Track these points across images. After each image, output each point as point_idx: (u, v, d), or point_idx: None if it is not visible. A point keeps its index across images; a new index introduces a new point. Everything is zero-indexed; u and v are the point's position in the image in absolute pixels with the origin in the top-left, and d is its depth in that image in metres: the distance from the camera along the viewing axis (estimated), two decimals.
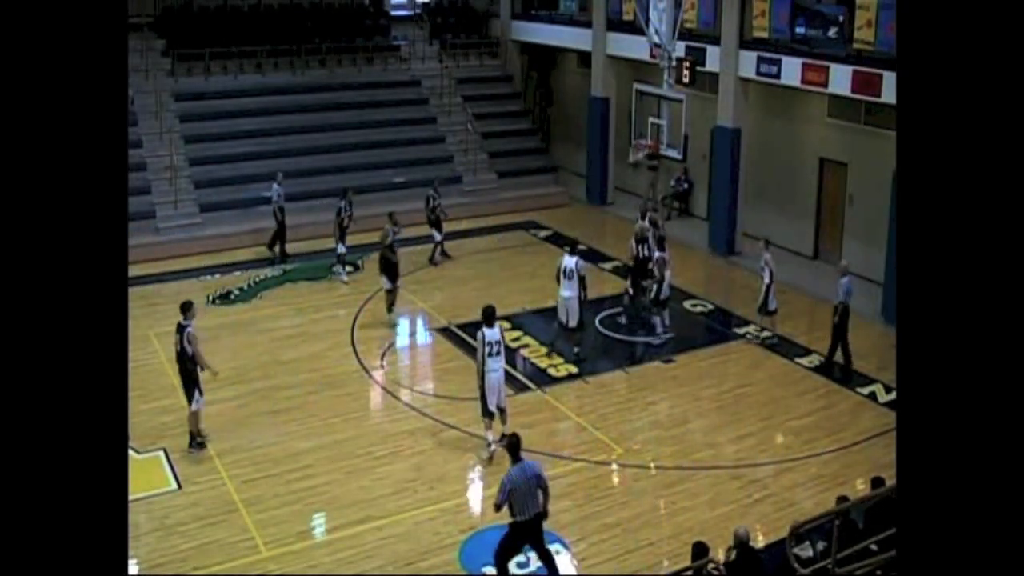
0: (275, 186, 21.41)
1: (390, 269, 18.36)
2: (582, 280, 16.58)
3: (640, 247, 18.26)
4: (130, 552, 11.49)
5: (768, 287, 17.53)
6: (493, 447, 13.60)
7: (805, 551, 10.94)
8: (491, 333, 13.44)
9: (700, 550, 9.65)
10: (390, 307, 18.46)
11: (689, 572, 9.78)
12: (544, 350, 17.13)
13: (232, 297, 19.82)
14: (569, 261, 16.62)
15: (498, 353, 13.45)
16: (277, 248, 21.91)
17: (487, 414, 13.64)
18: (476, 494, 13.21)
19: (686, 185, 25.36)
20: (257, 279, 20.78)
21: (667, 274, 17.73)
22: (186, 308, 13.61)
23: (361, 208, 21.33)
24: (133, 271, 20.76)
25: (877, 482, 11.20)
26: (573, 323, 16.78)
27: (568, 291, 16.58)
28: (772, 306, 17.68)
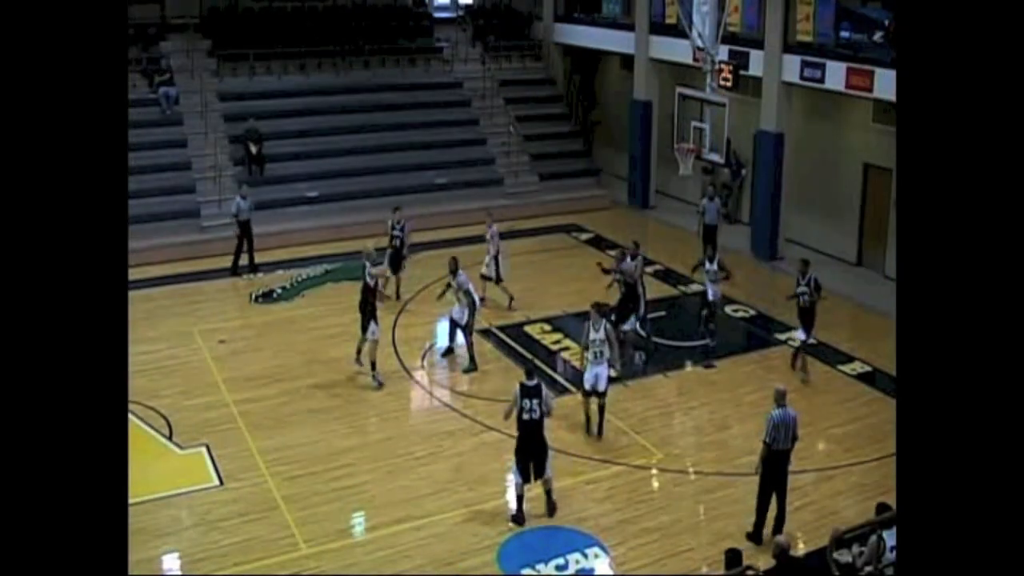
0: (239, 200, 21.22)
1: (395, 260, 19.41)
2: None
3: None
4: (171, 546, 11.69)
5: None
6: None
7: (844, 557, 10.87)
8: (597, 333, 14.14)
9: (734, 557, 9.60)
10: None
11: None
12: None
13: (275, 296, 19.97)
14: None
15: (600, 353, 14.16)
16: (244, 260, 21.37)
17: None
18: (515, 496, 13.20)
19: (743, 172, 24.99)
20: (300, 278, 20.92)
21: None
22: (530, 373, 12.49)
23: (403, 209, 21.36)
24: (176, 269, 21.05)
25: None
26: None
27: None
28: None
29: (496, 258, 19.26)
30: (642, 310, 17.63)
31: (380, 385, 15.80)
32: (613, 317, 16.93)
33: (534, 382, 12.19)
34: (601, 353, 14.18)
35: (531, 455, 12.16)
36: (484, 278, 19.25)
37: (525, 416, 12.05)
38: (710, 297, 18.12)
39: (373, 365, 15.91)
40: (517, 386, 12.22)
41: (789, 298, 16.59)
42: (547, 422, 12.40)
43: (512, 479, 12.47)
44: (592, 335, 14.20)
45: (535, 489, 12.49)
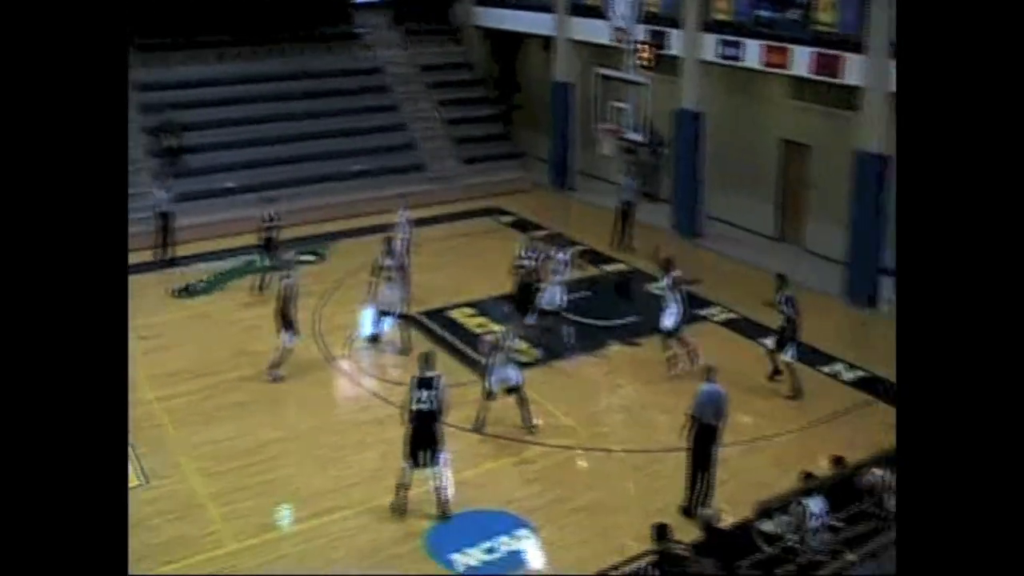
0: (158, 191, 20.98)
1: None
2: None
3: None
4: None
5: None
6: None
7: (768, 527, 11.04)
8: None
9: (661, 532, 9.68)
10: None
11: (653, 554, 9.79)
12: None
13: (196, 289, 19.64)
14: None
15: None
16: (167, 252, 21.15)
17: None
18: (443, 482, 13.17)
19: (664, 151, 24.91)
20: (221, 270, 20.60)
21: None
22: (428, 359, 12.34)
23: (323, 197, 21.23)
24: None
25: (838, 461, 11.29)
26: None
27: None
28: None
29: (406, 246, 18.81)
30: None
31: (275, 380, 15.50)
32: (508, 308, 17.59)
33: (430, 374, 11.99)
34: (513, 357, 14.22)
35: (422, 445, 11.90)
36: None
37: (416, 407, 11.85)
38: None
39: (275, 364, 15.56)
40: (412, 378, 12.08)
41: (766, 304, 16.14)
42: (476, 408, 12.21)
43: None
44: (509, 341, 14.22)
45: (466, 473, 12.46)
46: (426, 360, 12.15)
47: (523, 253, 18.04)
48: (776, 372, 15.69)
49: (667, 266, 16.36)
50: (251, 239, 21.67)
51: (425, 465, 11.92)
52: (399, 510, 12.01)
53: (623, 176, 22.37)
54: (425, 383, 11.90)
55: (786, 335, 15.37)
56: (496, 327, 16.55)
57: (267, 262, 18.96)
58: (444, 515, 11.97)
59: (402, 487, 12.00)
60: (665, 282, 16.16)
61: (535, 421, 14.06)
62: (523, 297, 17.68)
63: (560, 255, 17.98)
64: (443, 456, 12.01)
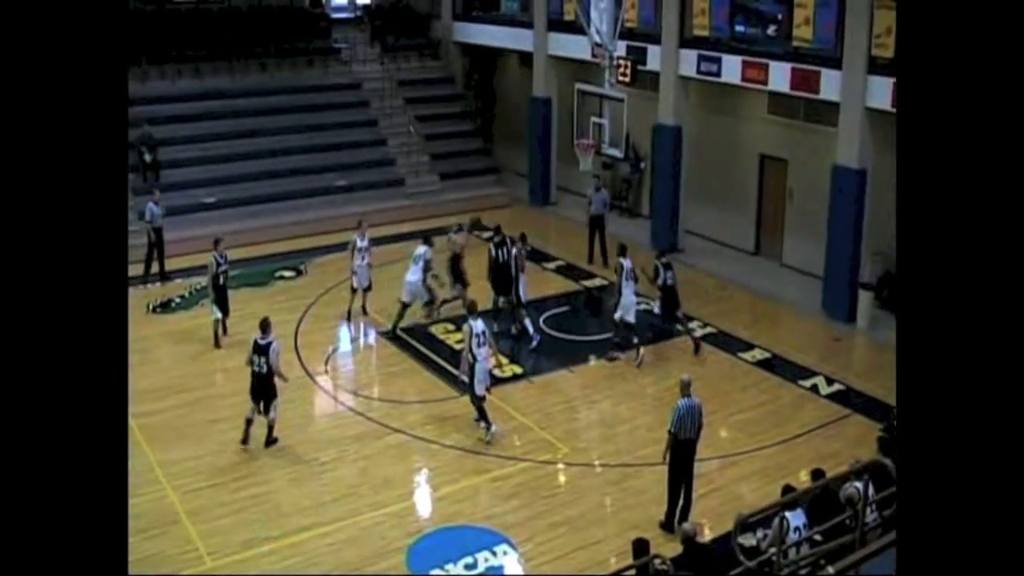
0: (151, 206, 20.67)
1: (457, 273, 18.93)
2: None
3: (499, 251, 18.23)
4: None
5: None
6: (493, 428, 14.21)
7: (749, 540, 11.04)
8: (477, 325, 14.18)
9: (641, 547, 9.66)
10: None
11: (630, 571, 9.77)
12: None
13: (173, 305, 19.52)
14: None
15: (484, 343, 14.15)
16: (155, 268, 20.89)
17: (479, 399, 14.23)
18: (422, 497, 13.14)
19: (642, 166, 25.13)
20: (198, 287, 20.45)
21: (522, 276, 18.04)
22: (265, 327, 14.00)
23: (302, 212, 21.12)
24: None
25: (818, 474, 11.31)
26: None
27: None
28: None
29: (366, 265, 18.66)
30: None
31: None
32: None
33: (265, 340, 13.74)
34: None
35: (259, 397, 13.84)
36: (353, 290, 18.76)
37: (255, 368, 13.77)
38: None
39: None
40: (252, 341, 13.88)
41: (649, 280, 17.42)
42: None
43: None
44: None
45: (446, 488, 12.42)
46: (263, 328, 13.89)
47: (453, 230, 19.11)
48: (697, 348, 17.21)
49: (622, 254, 17.23)
50: (230, 254, 21.58)
51: (264, 413, 13.84)
52: (245, 440, 13.89)
53: (591, 190, 22.48)
54: (260, 349, 13.71)
55: (669, 303, 17.26)
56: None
57: (218, 314, 17.56)
58: (269, 441, 13.95)
59: (248, 422, 13.89)
60: (625, 264, 16.95)
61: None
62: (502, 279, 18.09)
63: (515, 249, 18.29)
64: (275, 403, 13.89)
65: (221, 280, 17.62)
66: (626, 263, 16.93)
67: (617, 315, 16.97)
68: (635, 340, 17.01)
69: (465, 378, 14.33)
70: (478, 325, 14.19)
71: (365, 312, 18.87)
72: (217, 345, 17.45)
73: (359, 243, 18.44)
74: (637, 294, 17.13)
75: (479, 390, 14.20)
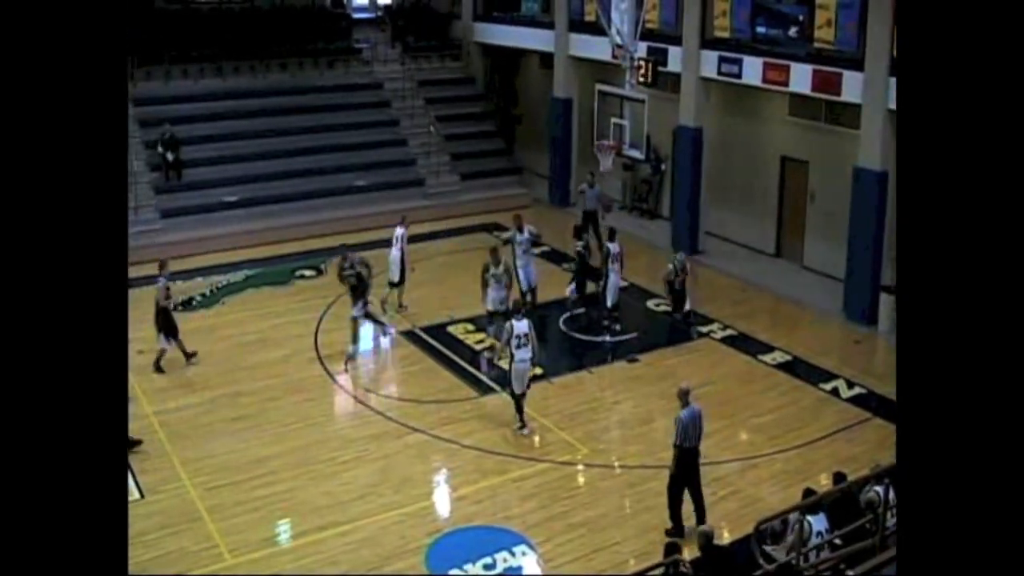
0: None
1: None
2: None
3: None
4: None
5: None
6: (525, 430, 14.41)
7: (769, 544, 10.98)
8: (520, 326, 14.17)
9: (673, 549, 9.66)
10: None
11: (655, 571, 9.76)
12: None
13: (194, 303, 19.62)
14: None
15: (525, 345, 14.14)
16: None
17: (517, 396, 14.44)
18: (441, 497, 13.16)
19: (663, 167, 25.16)
20: (219, 285, 20.60)
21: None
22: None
23: (323, 212, 21.20)
24: None
25: (839, 477, 11.27)
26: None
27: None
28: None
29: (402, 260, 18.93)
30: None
31: None
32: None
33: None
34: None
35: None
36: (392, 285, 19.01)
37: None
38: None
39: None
40: None
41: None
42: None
43: None
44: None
45: (465, 489, 12.42)
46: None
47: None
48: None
49: (611, 239, 18.10)
50: (251, 253, 21.75)
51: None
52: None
53: (584, 186, 22.48)
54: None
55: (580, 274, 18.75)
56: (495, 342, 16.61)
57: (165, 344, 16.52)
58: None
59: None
60: (612, 249, 17.91)
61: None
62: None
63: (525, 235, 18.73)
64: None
65: (171, 305, 16.95)
66: (613, 248, 17.84)
67: (609, 301, 17.99)
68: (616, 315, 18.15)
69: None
70: (521, 326, 14.17)
71: (402, 306, 18.96)
72: (158, 370, 16.38)
73: (397, 232, 18.93)
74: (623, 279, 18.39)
75: (517, 388, 14.35)
